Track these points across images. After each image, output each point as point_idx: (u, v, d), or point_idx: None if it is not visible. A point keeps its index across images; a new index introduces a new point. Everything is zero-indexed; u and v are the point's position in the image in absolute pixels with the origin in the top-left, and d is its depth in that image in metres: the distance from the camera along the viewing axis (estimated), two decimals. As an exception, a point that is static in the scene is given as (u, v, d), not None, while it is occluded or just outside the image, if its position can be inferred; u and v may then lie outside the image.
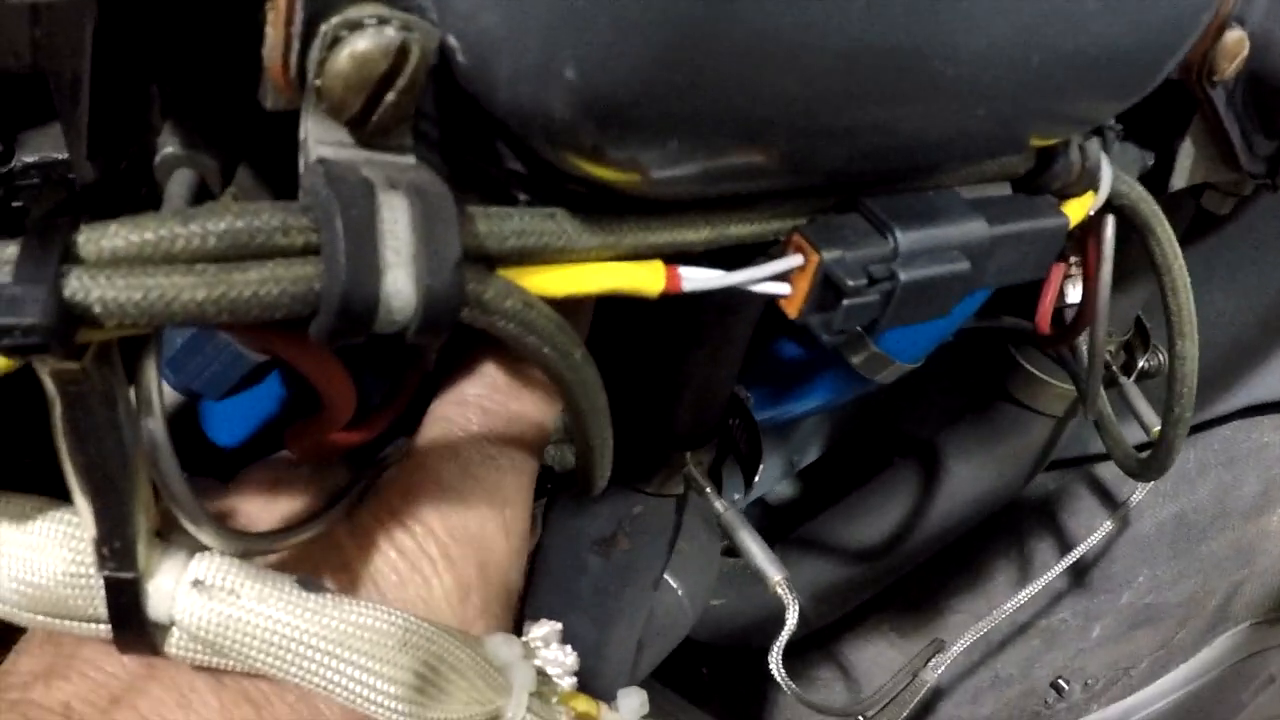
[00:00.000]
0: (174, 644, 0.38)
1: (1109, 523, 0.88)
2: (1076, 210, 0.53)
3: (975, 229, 0.44)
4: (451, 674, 0.40)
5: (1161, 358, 1.06)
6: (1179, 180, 0.70)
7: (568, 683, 0.46)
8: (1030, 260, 0.48)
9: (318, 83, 0.33)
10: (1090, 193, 0.54)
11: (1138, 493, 0.88)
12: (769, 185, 0.41)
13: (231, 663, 0.38)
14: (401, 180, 0.33)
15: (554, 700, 0.44)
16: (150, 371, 0.35)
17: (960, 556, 1.07)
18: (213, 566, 0.37)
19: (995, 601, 1.10)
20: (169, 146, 0.39)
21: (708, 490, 0.66)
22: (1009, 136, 0.43)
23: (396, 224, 0.32)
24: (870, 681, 1.01)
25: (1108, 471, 1.05)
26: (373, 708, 0.38)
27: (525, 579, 0.74)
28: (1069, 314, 0.79)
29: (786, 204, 0.42)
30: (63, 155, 0.47)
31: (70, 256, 0.31)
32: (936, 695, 1.01)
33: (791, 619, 0.62)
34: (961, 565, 1.07)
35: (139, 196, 0.46)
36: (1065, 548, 1.08)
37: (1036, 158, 0.50)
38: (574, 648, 0.74)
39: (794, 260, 0.40)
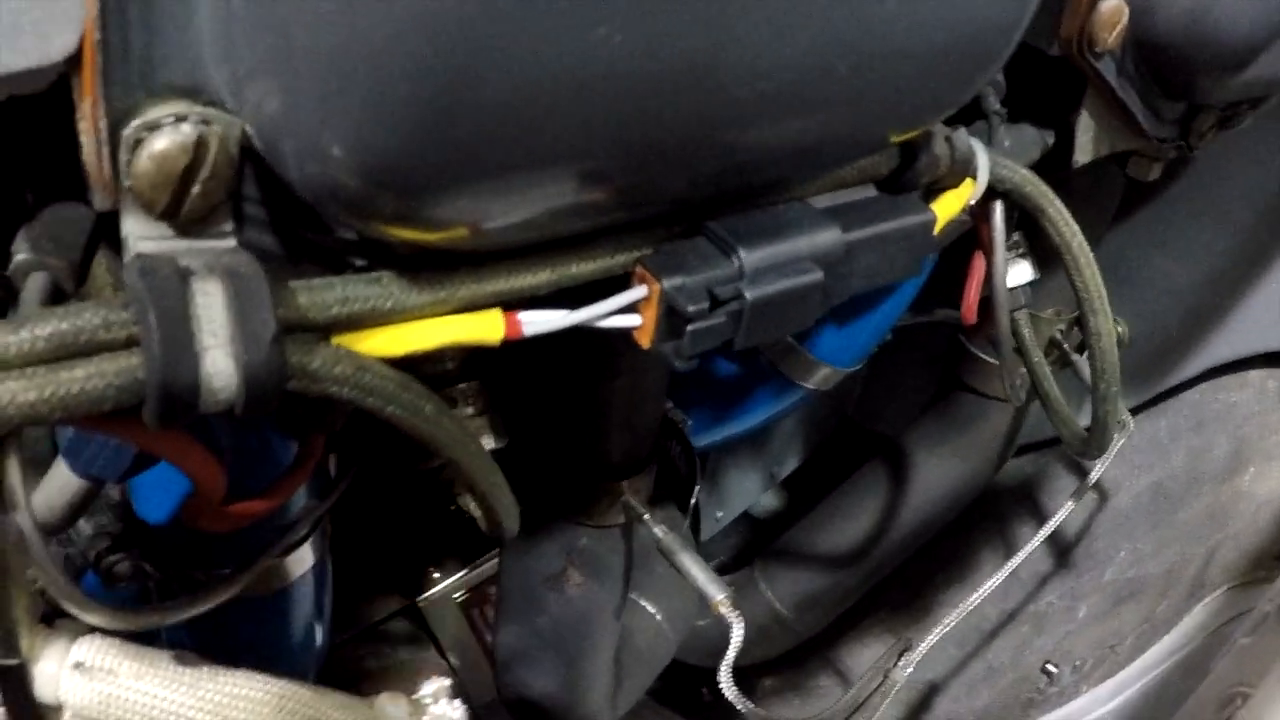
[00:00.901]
0: None
1: (1070, 501, 0.88)
2: (953, 202, 0.53)
3: (827, 238, 0.44)
4: (332, 735, 0.41)
5: (1120, 330, 1.06)
6: (1082, 155, 0.70)
7: (456, 736, 0.47)
8: (899, 260, 0.49)
9: (128, 183, 0.34)
10: (969, 182, 0.54)
11: (1095, 470, 0.87)
12: (607, 221, 0.41)
13: None
14: (217, 265, 0.34)
15: None
16: (11, 469, 0.36)
17: (946, 549, 1.07)
18: (92, 649, 0.39)
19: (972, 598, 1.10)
20: (21, 253, 0.40)
21: (645, 517, 0.67)
22: (844, 143, 0.44)
23: (211, 309, 0.33)
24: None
25: (1085, 448, 1.04)
26: None
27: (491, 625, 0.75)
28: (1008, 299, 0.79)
29: (631, 237, 0.42)
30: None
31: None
32: (932, 690, 1.01)
33: (736, 637, 0.62)
34: (948, 558, 1.07)
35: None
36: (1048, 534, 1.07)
37: (899, 156, 0.51)
38: (545, 682, 0.75)
39: (637, 292, 0.41)
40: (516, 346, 0.47)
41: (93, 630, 0.42)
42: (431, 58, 0.29)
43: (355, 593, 0.93)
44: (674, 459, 0.72)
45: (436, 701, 0.48)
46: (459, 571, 0.94)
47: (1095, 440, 0.73)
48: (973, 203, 0.55)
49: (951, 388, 0.95)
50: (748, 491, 1.14)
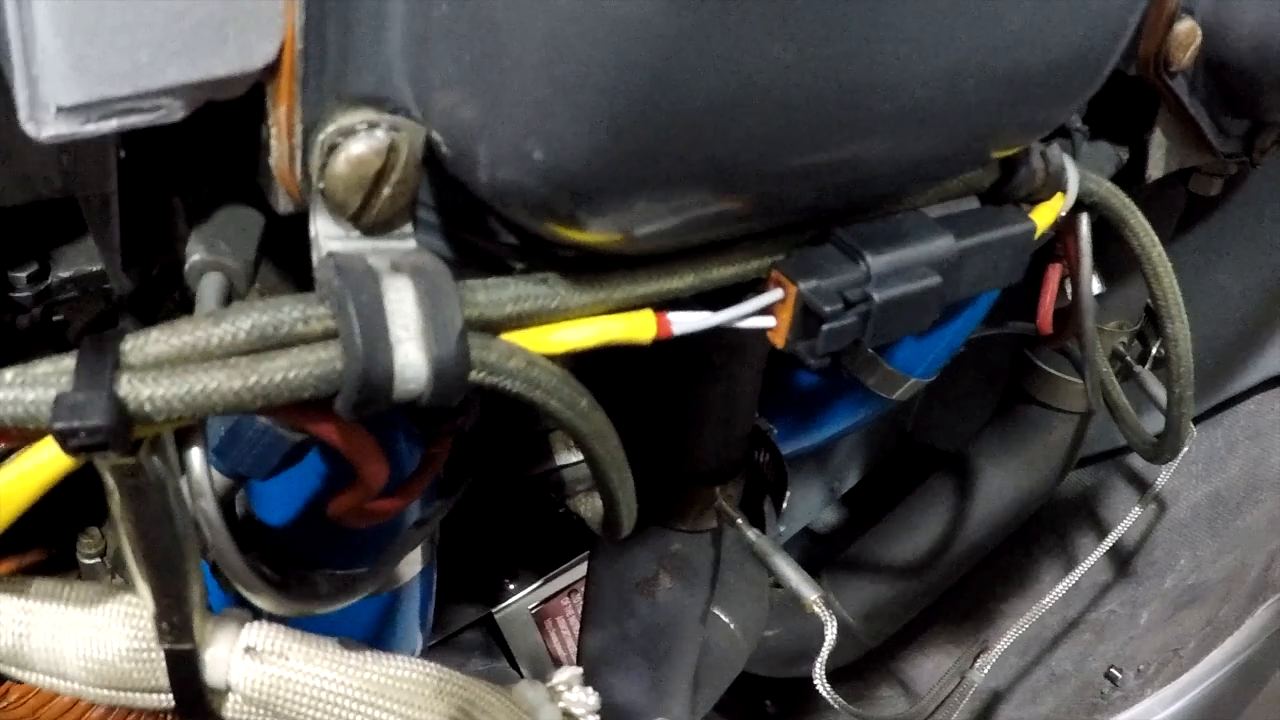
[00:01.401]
0: (231, 708, 0.41)
1: (1137, 508, 0.89)
2: (1046, 214, 0.55)
3: (943, 245, 0.47)
4: (484, 717, 0.43)
5: (1179, 342, 1.08)
6: (1155, 170, 0.72)
7: (592, 720, 0.49)
8: (1003, 267, 0.51)
9: (321, 185, 0.37)
10: (1059, 195, 0.57)
11: (1162, 476, 0.89)
12: (745, 229, 0.44)
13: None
14: (404, 264, 0.37)
15: None
16: (198, 457, 0.39)
17: (1006, 561, 1.09)
18: (262, 634, 0.41)
19: (1045, 603, 1.11)
20: (196, 254, 0.43)
21: (739, 521, 0.69)
22: (960, 157, 0.46)
23: (403, 304, 0.36)
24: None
25: (1141, 462, 1.06)
26: None
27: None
28: (1076, 312, 0.81)
29: (764, 243, 0.45)
30: (96, 268, 0.51)
31: (121, 363, 0.34)
32: (996, 698, 1.03)
33: (830, 634, 0.64)
34: (1009, 570, 1.09)
35: (174, 301, 0.51)
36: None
37: (1000, 169, 0.53)
38: (631, 687, 0.78)
39: (774, 294, 0.43)
40: (625, 353, 0.50)
41: (258, 618, 0.45)
42: (634, 69, 0.32)
43: (436, 602, 0.95)
44: (761, 467, 0.75)
45: (570, 688, 0.50)
46: (533, 583, 0.96)
47: (1169, 444, 0.75)
48: (1063, 215, 0.57)
49: (1016, 400, 0.97)
50: (810, 506, 1.16)
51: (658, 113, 0.33)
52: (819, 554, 1.15)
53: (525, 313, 0.39)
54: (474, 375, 0.38)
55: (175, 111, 0.36)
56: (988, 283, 0.51)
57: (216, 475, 0.53)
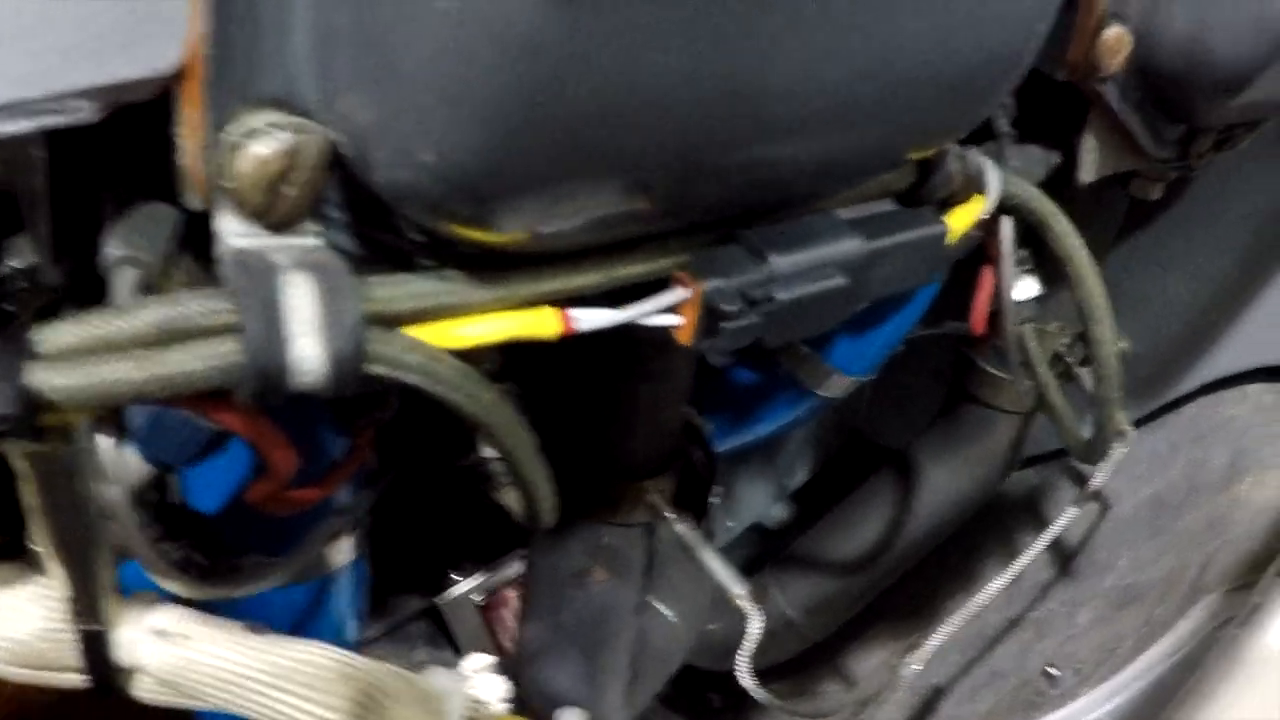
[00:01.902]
0: (140, 687, 0.42)
1: (1073, 508, 0.91)
2: (964, 216, 0.57)
3: (851, 246, 0.48)
4: (390, 703, 0.44)
5: (1123, 344, 1.09)
6: (1086, 174, 0.73)
7: (502, 708, 0.50)
8: (915, 269, 0.52)
9: (225, 184, 0.38)
10: (978, 197, 0.58)
11: (1098, 477, 0.91)
12: (651, 229, 0.45)
13: (192, 700, 0.42)
14: (306, 261, 0.38)
15: None
16: (107, 446, 0.40)
17: (950, 559, 1.10)
18: (169, 616, 0.42)
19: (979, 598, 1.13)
20: (111, 248, 0.43)
21: (668, 515, 0.70)
22: (867, 161, 0.48)
23: (301, 299, 0.37)
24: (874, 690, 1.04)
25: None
26: None
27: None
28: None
29: (672, 243, 0.46)
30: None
31: (29, 354, 0.35)
32: (936, 695, 1.04)
33: (754, 628, 0.66)
34: (953, 567, 1.10)
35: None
36: (1052, 541, 1.10)
37: (916, 172, 0.55)
38: (565, 677, 0.79)
39: (678, 293, 0.44)
40: (552, 350, 0.51)
41: (166, 600, 0.46)
42: (517, 76, 0.33)
43: (378, 592, 0.96)
44: (695, 462, 0.76)
45: (480, 675, 0.51)
46: (478, 574, 0.97)
47: (1098, 445, 0.76)
48: (984, 217, 0.59)
49: (958, 400, 0.99)
50: (758, 503, 1.17)
51: (544, 117, 0.34)
52: (769, 550, 1.16)
53: (426, 309, 0.40)
54: (371, 368, 0.39)
55: (87, 113, 0.37)
56: (900, 284, 0.52)
57: (140, 463, 0.54)
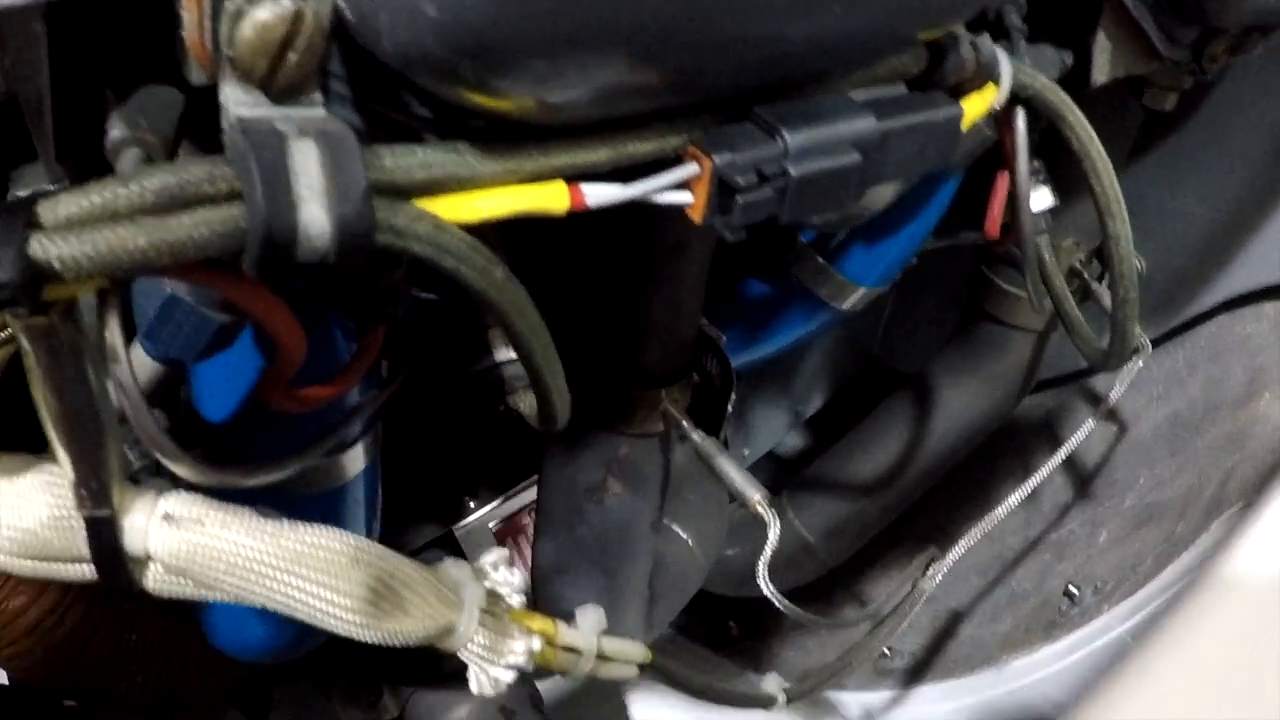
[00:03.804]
0: (152, 578, 0.42)
1: (1090, 421, 0.90)
2: (977, 103, 0.55)
3: (864, 125, 0.47)
4: (404, 590, 0.44)
5: (1138, 263, 1.08)
6: (1100, 75, 0.72)
7: (517, 600, 0.50)
8: (929, 152, 0.51)
9: (228, 53, 0.37)
10: (991, 85, 0.57)
11: (1116, 389, 0.90)
12: (663, 103, 0.44)
13: (203, 589, 0.42)
14: (310, 128, 0.37)
15: (505, 617, 0.48)
16: (113, 323, 0.40)
17: (968, 482, 1.10)
18: (180, 501, 0.42)
19: (1006, 522, 1.12)
20: (115, 130, 0.43)
21: (684, 423, 0.70)
22: (879, 37, 0.47)
23: (307, 164, 0.36)
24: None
25: (1104, 385, 1.07)
26: (331, 620, 0.42)
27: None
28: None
29: (683, 120, 0.45)
30: (53, 187, 0.52)
31: (32, 224, 0.35)
32: (956, 618, 1.04)
33: (773, 534, 0.65)
34: (970, 490, 1.10)
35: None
36: (1070, 462, 1.10)
37: (928, 57, 0.53)
38: (583, 594, 0.79)
39: (690, 168, 0.44)
40: (564, 250, 0.50)
41: (178, 486, 0.46)
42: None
43: (394, 520, 0.96)
44: (710, 373, 0.75)
45: (497, 569, 0.51)
46: (494, 501, 0.97)
47: (1116, 350, 0.75)
48: (997, 107, 0.58)
49: (974, 318, 0.98)
50: (774, 430, 1.17)
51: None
52: (784, 478, 1.16)
53: (435, 179, 0.40)
54: (379, 237, 0.38)
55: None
56: (916, 166, 0.51)
57: (148, 360, 0.54)
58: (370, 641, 0.45)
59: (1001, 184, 0.78)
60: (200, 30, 0.39)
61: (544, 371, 0.50)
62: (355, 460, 0.64)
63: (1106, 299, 0.92)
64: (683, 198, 0.44)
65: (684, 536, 0.93)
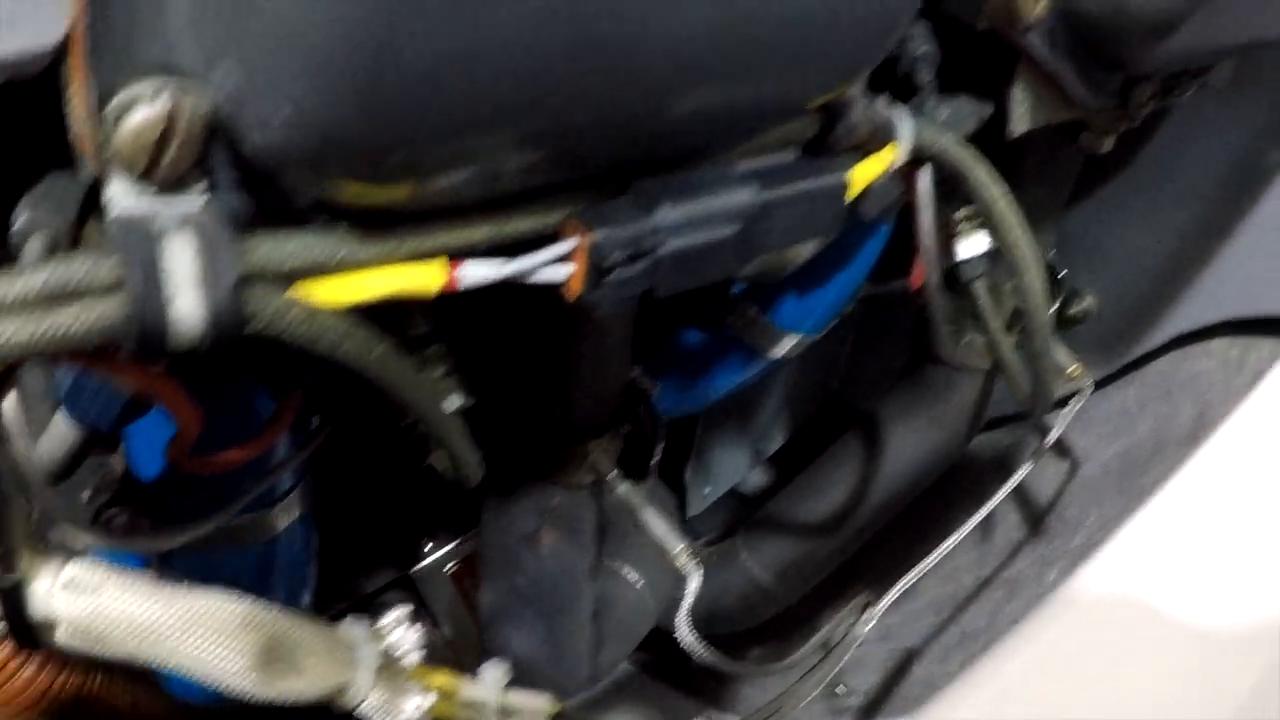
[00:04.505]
0: (59, 637, 0.44)
1: (1030, 463, 0.91)
2: (875, 165, 0.57)
3: (743, 196, 0.49)
4: (298, 650, 0.46)
5: (1088, 301, 1.10)
6: (1018, 125, 0.74)
7: (415, 658, 0.51)
8: (816, 219, 0.53)
9: (111, 151, 0.39)
10: (890, 145, 0.58)
11: (1053, 432, 0.91)
12: (543, 181, 0.46)
13: (106, 650, 0.44)
14: (188, 221, 0.39)
15: (403, 675, 0.50)
16: (8, 404, 0.42)
17: (924, 520, 1.11)
18: (81, 569, 0.44)
19: (960, 560, 1.13)
20: (21, 219, 0.45)
21: (610, 475, 0.71)
22: (747, 112, 0.48)
23: (182, 258, 0.39)
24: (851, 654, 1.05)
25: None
26: (225, 680, 0.44)
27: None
28: (964, 270, 0.83)
29: (564, 195, 0.47)
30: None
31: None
32: (910, 657, 1.05)
33: (693, 584, 0.67)
34: (926, 528, 1.11)
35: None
36: (1023, 500, 1.11)
37: (820, 121, 0.55)
38: (523, 640, 0.80)
39: (566, 245, 0.46)
40: (486, 311, 0.51)
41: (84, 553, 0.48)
42: (361, 34, 0.34)
43: (351, 564, 0.98)
44: (643, 423, 0.77)
45: (396, 628, 0.53)
46: (450, 543, 0.99)
47: (1038, 395, 0.77)
48: (898, 166, 0.59)
49: (922, 359, 0.99)
50: (735, 468, 1.19)
51: (390, 77, 0.35)
52: (747, 516, 1.17)
53: (310, 265, 0.42)
54: (251, 326, 0.40)
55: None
56: (802, 233, 0.53)
57: (70, 425, 0.56)
58: (265, 699, 0.46)
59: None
60: (86, 128, 0.41)
61: (443, 436, 0.52)
62: (284, 514, 0.66)
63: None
64: (560, 274, 0.46)
65: (634, 579, 0.95)
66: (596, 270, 0.46)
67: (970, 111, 0.72)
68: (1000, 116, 0.73)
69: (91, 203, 0.47)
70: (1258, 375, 0.98)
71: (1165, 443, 1.01)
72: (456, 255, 0.45)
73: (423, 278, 0.43)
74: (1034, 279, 0.67)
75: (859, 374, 1.21)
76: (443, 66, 0.36)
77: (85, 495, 0.62)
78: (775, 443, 1.20)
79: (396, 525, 0.99)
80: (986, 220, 0.65)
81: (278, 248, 0.41)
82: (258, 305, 0.40)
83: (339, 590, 0.98)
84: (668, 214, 0.46)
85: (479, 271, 0.44)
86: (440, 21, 0.36)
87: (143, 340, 0.38)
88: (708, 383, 0.83)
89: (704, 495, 1.16)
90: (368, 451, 0.81)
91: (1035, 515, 1.06)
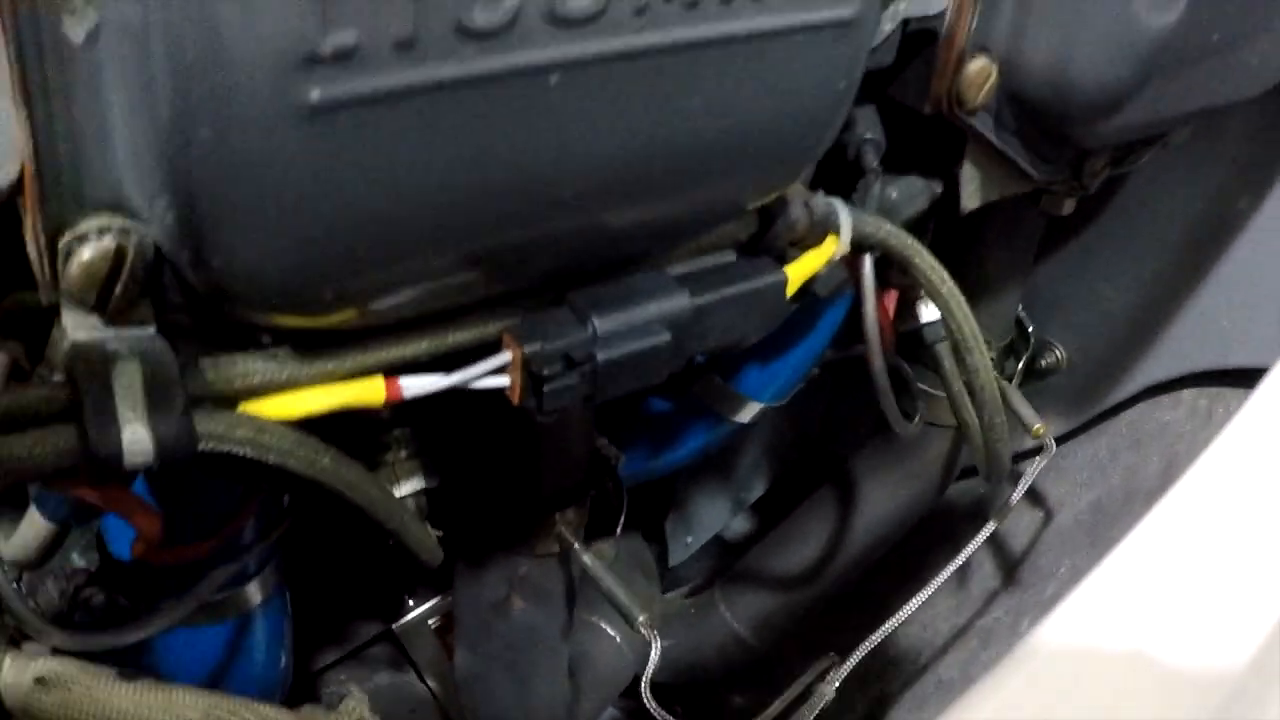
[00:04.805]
0: None
1: (991, 523, 0.93)
2: (814, 260, 0.59)
3: (676, 303, 0.51)
4: (258, 739, 0.48)
5: (1059, 354, 1.11)
6: (969, 202, 0.76)
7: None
8: (754, 318, 0.55)
9: (64, 284, 0.42)
10: (831, 239, 0.60)
11: (1016, 492, 0.92)
12: (480, 296, 0.49)
13: None
14: (138, 349, 0.42)
15: None
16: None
17: (901, 570, 1.13)
18: (51, 665, 0.47)
19: (937, 608, 1.15)
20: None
21: (575, 546, 0.73)
22: (671, 224, 0.51)
23: (131, 386, 0.41)
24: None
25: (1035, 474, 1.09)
26: None
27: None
28: (927, 333, 0.85)
29: (502, 307, 0.50)
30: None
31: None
32: (884, 703, 1.07)
33: (654, 655, 0.69)
34: (903, 579, 1.13)
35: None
36: (998, 550, 1.13)
37: (758, 220, 0.57)
38: (497, 704, 0.82)
39: (502, 357, 0.48)
40: (442, 401, 0.54)
41: (55, 652, 0.50)
42: (282, 192, 0.37)
43: (337, 619, 1.00)
44: (609, 490, 0.79)
45: (354, 713, 0.55)
46: (433, 599, 1.01)
47: (991, 468, 0.79)
48: (840, 258, 0.61)
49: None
50: (716, 517, 1.21)
51: (317, 227, 0.38)
52: (730, 562, 1.19)
53: (255, 386, 0.44)
54: (203, 445, 0.42)
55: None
56: (739, 332, 0.56)
57: (42, 520, 0.59)
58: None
59: (888, 303, 0.82)
60: (40, 262, 0.43)
61: (400, 531, 0.54)
62: (259, 589, 0.68)
63: (1012, 397, 0.96)
64: (500, 382, 0.49)
65: (611, 633, 0.97)
66: (534, 380, 0.48)
67: (920, 190, 0.74)
68: (955, 188, 0.75)
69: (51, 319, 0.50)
70: (1225, 426, 1.00)
71: (1135, 493, 1.03)
72: (395, 370, 0.47)
73: (366, 392, 0.46)
74: (981, 359, 0.70)
75: (838, 421, 1.23)
76: (369, 216, 0.39)
77: (63, 578, 0.65)
78: (756, 491, 1.22)
79: (380, 581, 1.02)
80: (935, 302, 0.67)
81: (224, 371, 0.44)
82: (205, 426, 0.42)
83: (325, 645, 1.00)
84: (601, 324, 0.49)
85: (421, 384, 0.46)
86: (363, 178, 0.38)
87: (96, 466, 0.41)
88: (674, 447, 0.86)
89: (686, 544, 1.18)
90: (346, 512, 0.84)
91: (1010, 564, 1.08)
